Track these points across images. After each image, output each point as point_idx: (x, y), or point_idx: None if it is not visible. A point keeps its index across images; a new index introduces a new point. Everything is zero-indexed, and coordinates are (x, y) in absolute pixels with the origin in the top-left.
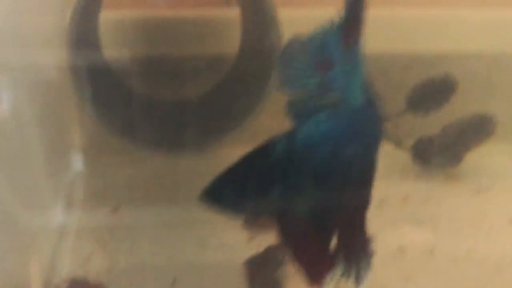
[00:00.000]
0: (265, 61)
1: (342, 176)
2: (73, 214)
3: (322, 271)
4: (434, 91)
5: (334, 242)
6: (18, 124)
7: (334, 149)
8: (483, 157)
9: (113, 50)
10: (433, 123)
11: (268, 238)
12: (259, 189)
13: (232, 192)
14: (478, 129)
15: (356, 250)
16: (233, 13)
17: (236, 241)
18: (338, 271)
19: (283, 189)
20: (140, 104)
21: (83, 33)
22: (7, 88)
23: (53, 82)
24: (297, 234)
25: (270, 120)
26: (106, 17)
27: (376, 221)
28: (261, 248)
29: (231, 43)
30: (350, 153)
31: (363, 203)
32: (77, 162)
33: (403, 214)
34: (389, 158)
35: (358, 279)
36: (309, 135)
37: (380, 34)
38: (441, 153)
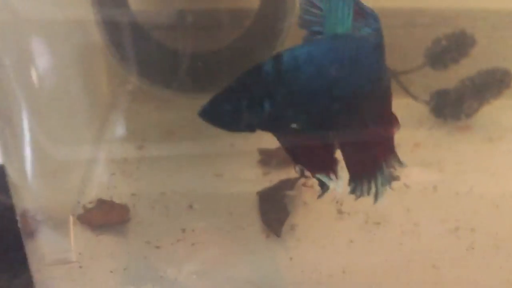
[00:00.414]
0: (281, 14)
1: (330, 95)
2: (102, 149)
3: (324, 163)
4: (452, 46)
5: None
6: (55, 70)
7: (318, 69)
8: (497, 110)
9: (139, 4)
10: (451, 77)
11: (281, 174)
12: (252, 105)
13: (228, 108)
14: (494, 82)
15: (364, 167)
16: None
17: (251, 175)
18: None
19: (275, 104)
20: (166, 54)
21: None
22: (44, 41)
23: (84, 35)
24: (295, 143)
25: None
26: None
27: None
28: (273, 182)
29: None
30: (336, 74)
31: (361, 123)
32: (107, 107)
33: (413, 158)
34: (406, 109)
35: (375, 195)
36: (293, 55)
37: None
38: (457, 106)
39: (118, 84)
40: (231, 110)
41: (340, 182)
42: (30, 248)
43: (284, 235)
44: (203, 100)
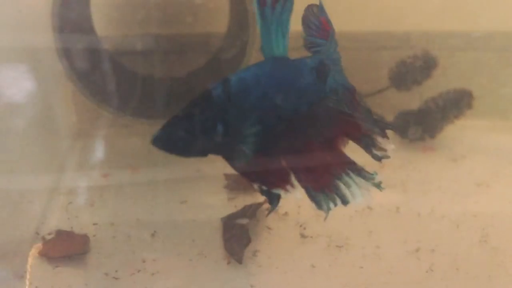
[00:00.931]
0: (245, 42)
1: (275, 115)
2: (66, 178)
3: (280, 178)
4: (415, 68)
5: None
6: (12, 99)
7: (264, 90)
8: (460, 130)
9: (106, 30)
10: (415, 98)
11: (246, 199)
12: (204, 129)
13: (181, 134)
14: (456, 103)
15: (317, 181)
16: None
17: (216, 200)
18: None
19: (226, 127)
20: (132, 80)
21: (70, 16)
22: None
23: (45, 63)
24: (247, 164)
25: None
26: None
27: None
28: (238, 208)
29: (220, 24)
30: (276, 96)
31: (306, 142)
32: (71, 136)
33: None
34: None
35: (343, 201)
36: (241, 78)
37: (366, 14)
38: (421, 126)
39: (83, 112)
40: (183, 136)
41: (297, 191)
42: None
43: (246, 261)
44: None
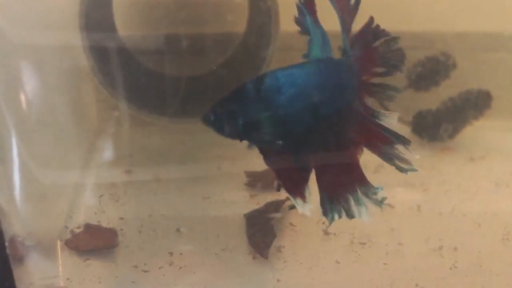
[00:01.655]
0: (265, 41)
1: (308, 117)
2: (90, 174)
3: (296, 186)
4: (434, 68)
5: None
6: (43, 95)
7: (300, 90)
8: (478, 130)
9: (129, 30)
10: (433, 99)
11: (267, 196)
12: (229, 118)
13: (219, 117)
14: (475, 104)
15: (335, 189)
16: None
17: (238, 197)
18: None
19: (251, 120)
20: (152, 79)
21: (95, 15)
22: (32, 66)
23: (69, 60)
24: (275, 158)
25: None
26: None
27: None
28: (260, 205)
29: (238, 24)
30: (316, 99)
31: (333, 147)
32: (95, 132)
33: (397, 178)
34: None
35: (348, 214)
36: (275, 76)
37: (383, 14)
38: (439, 127)
39: (106, 109)
40: (221, 119)
41: (307, 206)
42: (19, 274)
43: (271, 257)
44: (189, 124)
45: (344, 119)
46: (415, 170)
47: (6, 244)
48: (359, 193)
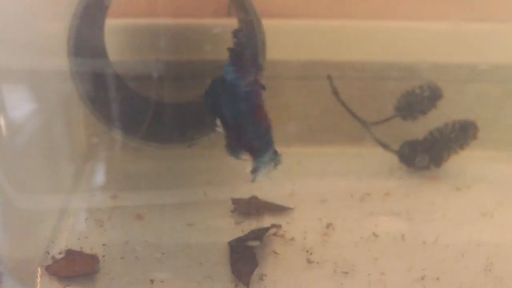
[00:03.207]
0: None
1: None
2: (75, 199)
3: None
4: (421, 98)
5: None
6: (24, 120)
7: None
8: (465, 160)
9: (119, 55)
10: (420, 128)
11: (253, 223)
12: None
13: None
14: (461, 134)
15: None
16: (232, 22)
17: (223, 224)
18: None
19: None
20: (142, 104)
21: (84, 40)
22: (18, 91)
23: (58, 85)
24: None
25: None
26: (112, 24)
27: (356, 212)
28: (245, 232)
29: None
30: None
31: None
32: (81, 157)
33: (382, 207)
34: (378, 159)
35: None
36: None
37: (373, 45)
38: (426, 156)
39: (93, 134)
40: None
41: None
42: None
43: (252, 285)
44: (176, 150)
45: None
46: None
47: None
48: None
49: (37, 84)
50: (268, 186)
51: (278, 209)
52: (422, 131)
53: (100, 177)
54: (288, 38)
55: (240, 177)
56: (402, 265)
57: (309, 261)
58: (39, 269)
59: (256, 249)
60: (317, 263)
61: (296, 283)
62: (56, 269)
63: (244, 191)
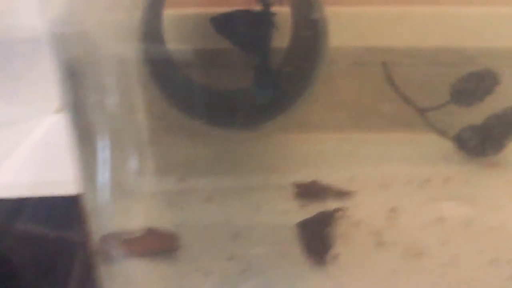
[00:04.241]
0: (312, 55)
1: None
2: (145, 182)
3: None
4: (477, 84)
5: None
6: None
7: None
8: None
9: (175, 44)
10: (476, 114)
11: (317, 206)
12: None
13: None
14: None
15: None
16: (284, 11)
17: (288, 207)
18: None
19: None
20: (200, 91)
21: (151, 29)
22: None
23: (128, 72)
24: None
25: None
26: (169, 14)
27: (418, 197)
28: (311, 214)
29: (282, 37)
30: None
31: None
32: (148, 141)
33: (444, 193)
34: (434, 145)
35: None
36: None
37: (427, 30)
38: (483, 142)
39: (161, 119)
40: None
41: None
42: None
43: (327, 265)
44: (240, 134)
45: None
46: None
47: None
48: None
49: (109, 69)
50: (327, 171)
51: (340, 193)
52: (478, 118)
53: (167, 160)
54: (342, 25)
55: (300, 162)
56: (473, 248)
57: (379, 243)
58: (120, 247)
59: (327, 230)
60: (387, 245)
61: (369, 263)
62: (138, 245)
63: (303, 176)
